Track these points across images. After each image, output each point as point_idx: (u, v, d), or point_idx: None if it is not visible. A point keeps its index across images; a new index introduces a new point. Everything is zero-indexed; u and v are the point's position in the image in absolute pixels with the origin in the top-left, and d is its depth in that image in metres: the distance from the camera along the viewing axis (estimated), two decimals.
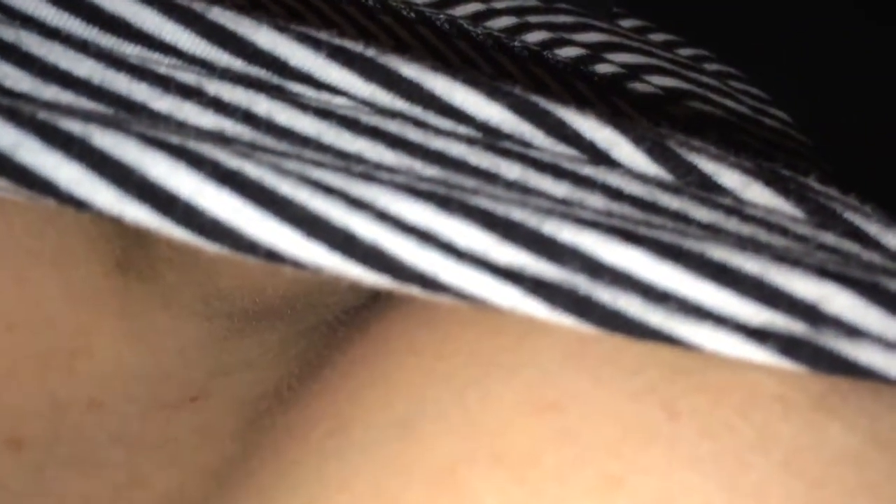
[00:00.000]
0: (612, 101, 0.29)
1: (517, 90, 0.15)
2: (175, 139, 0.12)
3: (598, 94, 0.29)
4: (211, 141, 0.12)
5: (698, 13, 0.38)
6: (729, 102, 0.33)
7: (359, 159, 0.13)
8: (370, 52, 0.14)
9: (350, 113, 0.14)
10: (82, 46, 0.14)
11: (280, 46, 0.14)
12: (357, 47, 0.15)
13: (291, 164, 0.12)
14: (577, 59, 0.30)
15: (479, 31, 0.30)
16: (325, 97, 0.14)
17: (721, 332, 0.11)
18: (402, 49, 0.29)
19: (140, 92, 0.13)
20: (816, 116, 0.37)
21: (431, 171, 0.13)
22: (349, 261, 0.12)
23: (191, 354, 0.17)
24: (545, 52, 0.30)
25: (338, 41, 0.15)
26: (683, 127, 0.30)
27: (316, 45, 0.14)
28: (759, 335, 0.11)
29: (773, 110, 0.35)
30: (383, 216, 0.12)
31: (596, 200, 0.13)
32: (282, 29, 0.15)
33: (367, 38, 0.29)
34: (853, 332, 0.12)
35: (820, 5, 0.41)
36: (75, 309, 0.17)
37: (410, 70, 0.14)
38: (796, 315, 0.11)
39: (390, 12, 0.30)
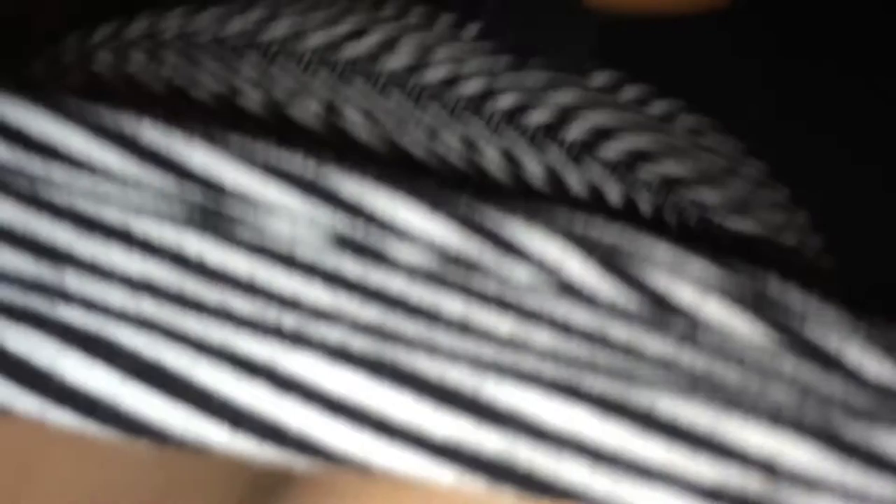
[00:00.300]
0: (583, 165, 0.29)
1: (463, 203, 0.14)
2: (93, 326, 0.12)
3: (570, 158, 0.29)
4: (133, 311, 0.12)
5: (675, 62, 0.38)
6: (703, 158, 0.33)
7: (293, 303, 0.13)
8: (310, 172, 0.14)
9: (285, 247, 0.13)
10: (2, 186, 0.14)
11: (214, 167, 0.14)
12: (296, 165, 0.14)
13: (216, 333, 0.12)
14: (549, 124, 0.30)
15: (450, 97, 0.30)
16: (261, 221, 0.14)
17: (672, 496, 0.11)
18: (371, 119, 0.28)
19: (63, 237, 0.13)
20: (795, 160, 0.37)
21: (368, 313, 0.13)
22: (281, 451, 0.12)
23: (141, 471, 0.16)
24: (516, 117, 0.30)
25: (276, 160, 0.14)
26: (658, 186, 0.30)
27: (254, 163, 0.14)
28: (712, 495, 0.11)
29: (749, 161, 0.35)
30: (312, 395, 0.12)
31: (541, 337, 0.13)
32: (217, 145, 0.14)
33: (337, 103, 0.29)
34: (811, 485, 0.11)
35: (792, 52, 0.41)
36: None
37: (351, 187, 0.14)
38: (751, 471, 0.11)
39: (362, 74, 0.30)
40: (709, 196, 0.31)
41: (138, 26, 0.34)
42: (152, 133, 0.14)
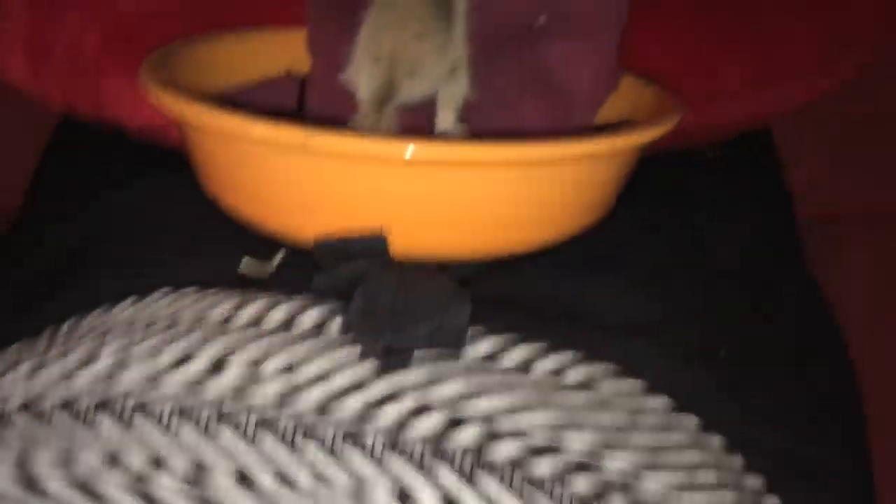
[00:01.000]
0: (477, 480, 0.27)
1: None
2: None
3: (462, 478, 0.27)
4: None
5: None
6: (601, 419, 0.31)
7: None
8: None
9: None
10: None
11: None
12: None
13: None
14: (437, 432, 0.28)
15: (326, 428, 0.28)
16: None
17: None
18: (245, 481, 0.26)
19: None
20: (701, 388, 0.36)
21: None
22: None
23: None
24: (400, 435, 0.28)
25: None
26: (559, 478, 0.28)
27: None
28: None
29: (650, 400, 0.34)
30: None
31: None
32: None
33: (206, 464, 0.27)
34: None
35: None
36: None
37: None
38: None
39: (231, 423, 0.27)
40: (611, 464, 0.30)
41: None
42: None
